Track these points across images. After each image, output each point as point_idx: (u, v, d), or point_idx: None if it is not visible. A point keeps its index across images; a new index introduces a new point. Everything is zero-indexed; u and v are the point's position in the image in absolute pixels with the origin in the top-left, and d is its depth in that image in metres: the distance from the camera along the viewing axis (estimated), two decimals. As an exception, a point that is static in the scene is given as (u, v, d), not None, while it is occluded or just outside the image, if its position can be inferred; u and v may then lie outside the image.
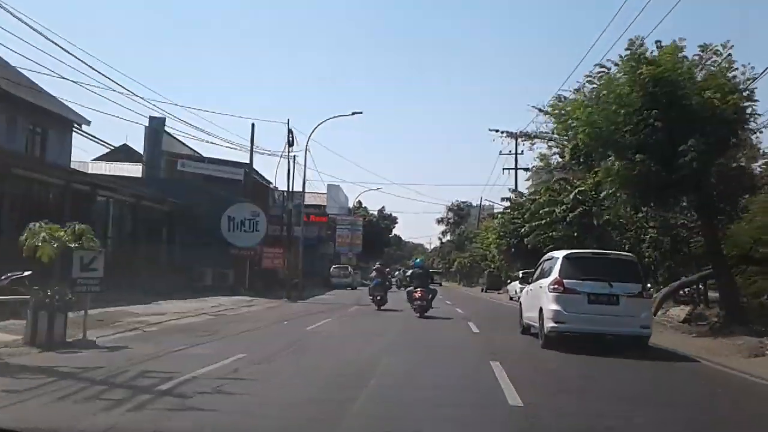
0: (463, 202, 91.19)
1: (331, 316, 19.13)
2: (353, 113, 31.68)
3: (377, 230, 72.13)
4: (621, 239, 26.30)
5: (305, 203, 51.31)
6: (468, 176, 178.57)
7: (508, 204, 38.82)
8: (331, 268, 46.58)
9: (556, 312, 11.41)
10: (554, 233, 28.45)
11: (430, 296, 19.20)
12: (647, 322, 11.61)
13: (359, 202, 73.51)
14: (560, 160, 43.65)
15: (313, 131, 32.48)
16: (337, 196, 62.22)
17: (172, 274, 28.65)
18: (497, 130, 44.47)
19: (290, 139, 28.50)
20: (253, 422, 5.68)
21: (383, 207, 78.48)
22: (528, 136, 49.41)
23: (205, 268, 30.17)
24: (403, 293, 21.23)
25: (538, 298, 12.37)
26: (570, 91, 17.78)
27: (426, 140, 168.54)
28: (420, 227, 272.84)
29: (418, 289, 18.98)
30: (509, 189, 42.08)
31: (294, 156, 31.57)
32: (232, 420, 5.60)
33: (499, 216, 38.58)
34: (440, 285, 65.04)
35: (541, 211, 29.66)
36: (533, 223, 29.69)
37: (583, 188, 27.94)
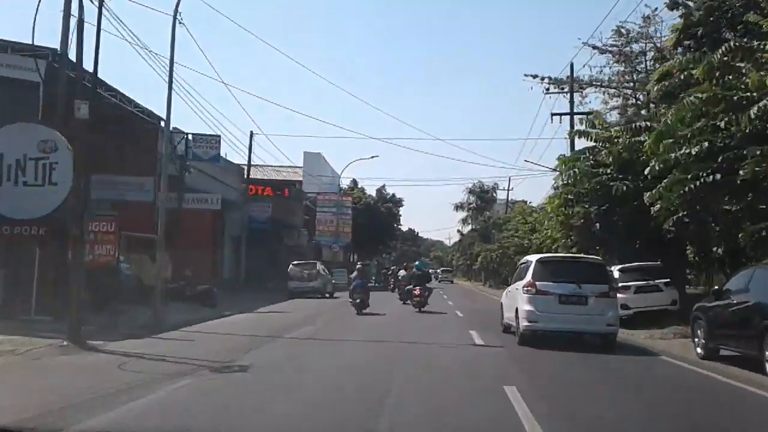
0: (485, 189, 71.07)
1: None
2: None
3: (377, 216, 55.40)
4: None
5: (269, 177, 34.86)
6: (500, 131, 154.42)
7: (581, 142, 21.77)
8: (290, 267, 30.37)
9: (529, 312, 12.20)
10: (739, 174, 11.57)
11: (427, 294, 22.05)
12: (613, 320, 12.30)
13: (354, 181, 56.89)
14: (621, 114, 27.63)
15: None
16: (318, 169, 45.61)
17: None
18: (535, 76, 30.16)
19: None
20: None
21: (383, 185, 61.21)
22: (579, 83, 33.30)
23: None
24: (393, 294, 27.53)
25: (515, 299, 13.10)
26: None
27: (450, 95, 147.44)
28: (440, 220, 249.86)
29: (417, 288, 21.88)
30: (567, 131, 25.01)
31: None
32: None
33: (562, 164, 21.12)
34: (451, 282, 65.46)
35: (695, 129, 12.69)
36: (679, 154, 12.61)
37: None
